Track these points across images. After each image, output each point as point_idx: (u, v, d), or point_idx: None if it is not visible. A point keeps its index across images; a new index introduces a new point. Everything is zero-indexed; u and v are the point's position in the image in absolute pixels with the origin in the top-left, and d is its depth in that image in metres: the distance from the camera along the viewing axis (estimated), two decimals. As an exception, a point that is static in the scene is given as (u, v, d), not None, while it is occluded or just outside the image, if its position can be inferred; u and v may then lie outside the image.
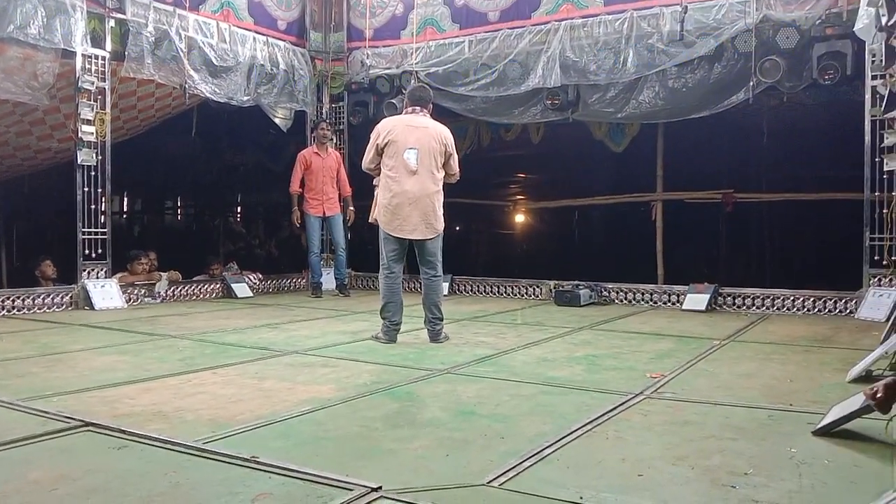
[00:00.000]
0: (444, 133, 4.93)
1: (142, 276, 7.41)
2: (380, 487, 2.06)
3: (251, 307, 7.11)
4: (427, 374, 3.81)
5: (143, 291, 7.19)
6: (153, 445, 2.50)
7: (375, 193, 4.99)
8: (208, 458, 2.38)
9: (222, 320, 6.06)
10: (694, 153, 8.71)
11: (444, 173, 4.93)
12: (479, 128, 9.65)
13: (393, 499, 2.02)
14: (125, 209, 15.03)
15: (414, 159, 4.76)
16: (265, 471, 2.21)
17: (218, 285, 7.96)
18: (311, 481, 2.11)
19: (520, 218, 12.29)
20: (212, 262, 8.76)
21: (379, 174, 4.90)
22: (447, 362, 4.15)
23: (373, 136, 4.89)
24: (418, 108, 4.93)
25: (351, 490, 2.03)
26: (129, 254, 7.58)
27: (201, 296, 7.79)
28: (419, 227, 4.80)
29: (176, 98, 7.78)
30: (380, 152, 4.82)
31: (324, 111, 9.14)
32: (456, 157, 5.02)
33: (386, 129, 4.84)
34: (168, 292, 7.39)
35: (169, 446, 2.48)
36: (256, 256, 12.36)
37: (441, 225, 4.91)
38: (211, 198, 14.38)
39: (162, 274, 7.43)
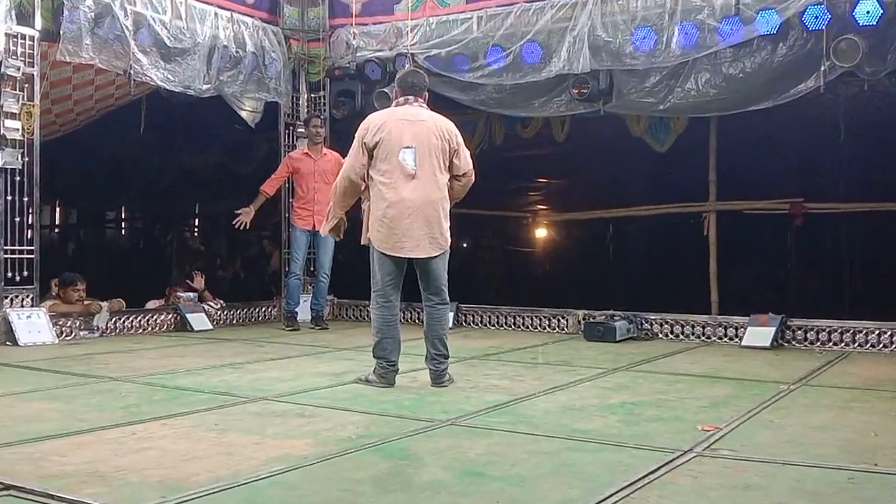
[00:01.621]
0: (446, 126, 4.94)
1: (77, 304, 7.42)
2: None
3: (210, 342, 7.09)
4: (427, 426, 3.80)
5: (78, 324, 7.20)
6: None
7: (364, 208, 4.99)
8: None
9: (175, 359, 6.03)
10: (754, 154, 8.74)
11: (448, 176, 4.93)
12: (490, 123, 9.69)
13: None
14: (57, 222, 15.12)
15: (412, 160, 4.76)
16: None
17: (170, 316, 7.96)
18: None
19: (541, 233, 12.31)
20: (176, 282, 8.73)
21: (364, 187, 4.86)
22: (451, 411, 4.13)
23: (358, 134, 4.87)
24: (412, 97, 4.93)
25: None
26: (63, 277, 7.58)
27: (150, 329, 7.79)
28: (422, 242, 4.79)
29: (120, 87, 7.85)
30: (368, 154, 4.80)
31: (301, 103, 9.19)
32: (466, 152, 5.02)
33: (375, 125, 4.83)
34: (109, 324, 7.39)
35: None
36: (218, 280, 12.37)
37: (448, 240, 4.92)
38: (163, 208, 14.48)
39: (102, 303, 7.44)
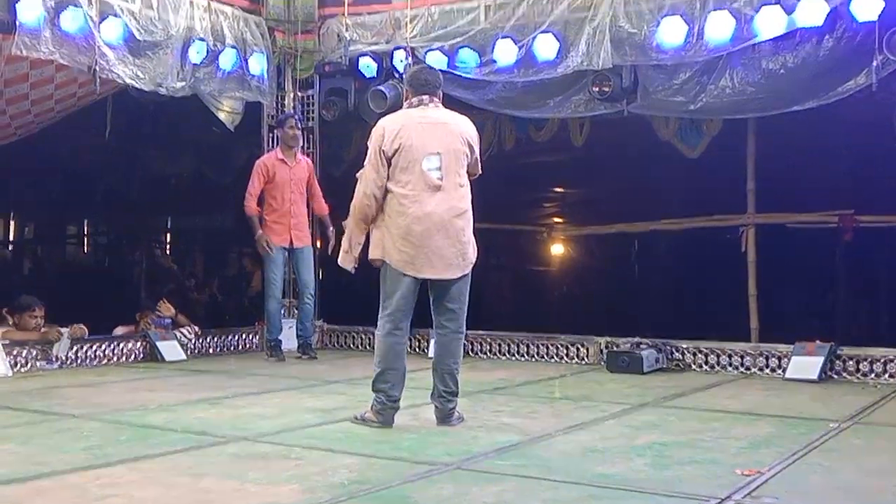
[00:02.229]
0: (468, 130, 4.97)
1: (34, 332, 7.41)
2: None
3: (184, 374, 7.08)
4: (429, 471, 3.80)
5: (35, 353, 7.18)
6: None
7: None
8: None
9: (144, 393, 6.03)
10: (798, 161, 8.76)
11: (469, 184, 4.94)
12: (499, 125, 9.73)
13: None
14: (11, 237, 15.16)
15: (437, 168, 4.76)
16: None
17: (139, 345, 7.95)
18: None
19: (557, 250, 12.32)
20: (148, 307, 8.69)
21: (378, 204, 4.79)
22: (456, 453, 4.13)
23: (373, 142, 4.83)
24: (426, 97, 4.92)
25: None
26: (18, 302, 7.58)
27: (116, 359, 7.76)
28: (453, 261, 4.78)
29: (83, 85, 7.87)
30: (386, 164, 4.77)
31: (288, 102, 9.23)
32: (478, 156, 5.05)
33: (391, 130, 4.79)
34: (70, 354, 7.38)
35: None
36: (192, 303, 12.39)
37: (475, 255, 4.93)
38: (130, 221, 14.50)
39: (62, 330, 7.43)
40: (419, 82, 4.98)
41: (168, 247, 16.14)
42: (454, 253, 4.78)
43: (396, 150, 4.74)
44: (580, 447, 4.34)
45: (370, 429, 4.74)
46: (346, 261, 4.94)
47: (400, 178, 4.76)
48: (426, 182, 4.74)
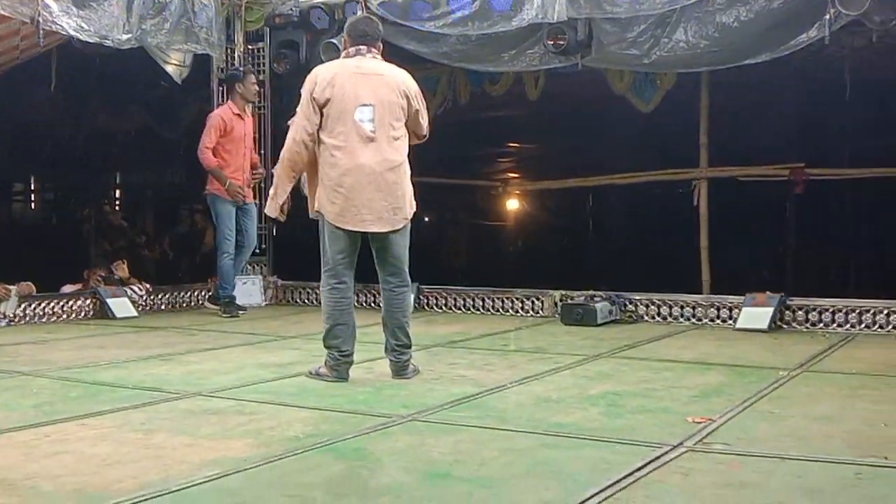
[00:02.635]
0: (404, 80, 4.90)
1: (-21, 290, 7.31)
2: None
3: (135, 331, 7.03)
4: (384, 423, 3.81)
5: (-18, 311, 7.12)
6: None
7: (306, 176, 4.93)
8: None
9: (94, 350, 5.98)
10: (750, 114, 8.84)
11: (406, 136, 4.89)
12: (454, 79, 9.65)
13: None
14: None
15: (370, 119, 4.71)
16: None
17: (88, 302, 7.89)
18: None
19: (512, 205, 12.34)
20: (96, 264, 8.62)
21: (307, 152, 4.75)
22: (412, 405, 4.14)
23: (305, 90, 4.78)
24: (364, 47, 4.86)
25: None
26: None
27: (65, 316, 7.72)
28: (384, 214, 4.74)
29: (26, 37, 7.67)
30: (318, 112, 4.71)
31: (237, 55, 9.07)
32: (425, 112, 4.99)
33: (324, 78, 4.74)
34: (18, 312, 7.29)
35: None
36: (143, 260, 12.26)
37: (411, 210, 4.90)
38: (78, 178, 14.20)
39: (9, 287, 7.33)
40: (357, 32, 4.91)
41: (118, 203, 15.87)
42: (385, 206, 4.73)
43: (328, 99, 4.68)
44: (535, 398, 4.37)
45: (325, 383, 4.74)
46: (272, 208, 4.95)
47: (332, 129, 4.70)
48: (358, 133, 4.68)
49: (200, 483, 2.92)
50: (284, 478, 3.03)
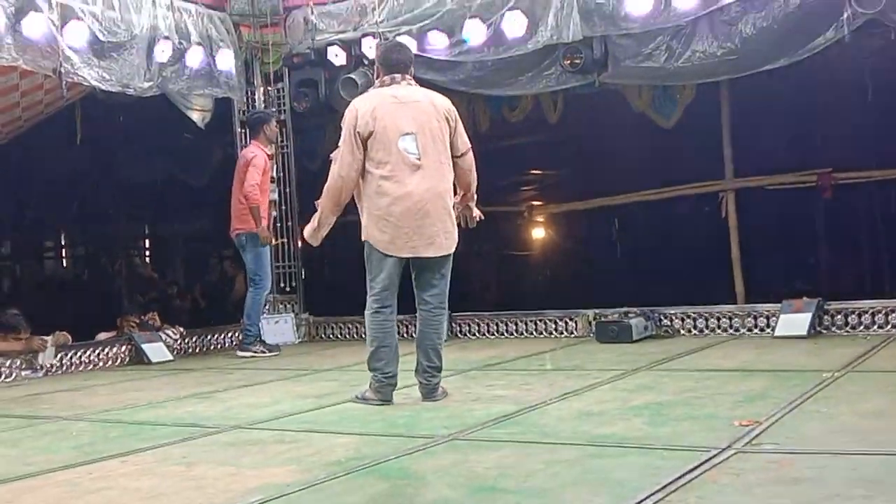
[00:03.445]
0: (442, 103, 4.89)
1: (16, 343, 7.33)
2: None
3: (171, 373, 7.07)
4: (426, 443, 3.78)
5: (19, 363, 7.16)
6: None
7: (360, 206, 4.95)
8: None
9: (132, 393, 6.01)
10: (773, 122, 8.77)
11: (451, 162, 4.87)
12: (473, 107, 9.67)
13: None
14: (-13, 256, 15.01)
15: (414, 147, 4.70)
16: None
17: (124, 348, 7.93)
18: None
19: (539, 229, 12.30)
20: (127, 311, 8.70)
21: (353, 186, 4.78)
22: (453, 425, 4.11)
23: (346, 124, 4.79)
24: (398, 75, 4.87)
25: None
26: (6, 321, 7.51)
27: (101, 363, 7.75)
28: (437, 239, 4.76)
29: (49, 91, 7.80)
30: (362, 146, 4.73)
31: (258, 96, 9.14)
32: (464, 131, 4.98)
33: (364, 110, 4.74)
34: (55, 361, 7.34)
35: None
36: (175, 310, 12.31)
37: (457, 235, 4.90)
38: (107, 232, 14.37)
39: (45, 339, 7.37)
40: (389, 62, 4.93)
41: (147, 255, 16.01)
42: (435, 231, 4.75)
43: (372, 132, 4.70)
44: (576, 412, 4.32)
45: (364, 409, 4.73)
46: (313, 237, 4.99)
47: (377, 160, 4.72)
48: (404, 162, 4.70)
49: (245, 508, 2.90)
50: (328, 499, 3.01)
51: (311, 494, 3.07)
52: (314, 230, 4.95)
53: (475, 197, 5.14)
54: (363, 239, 4.85)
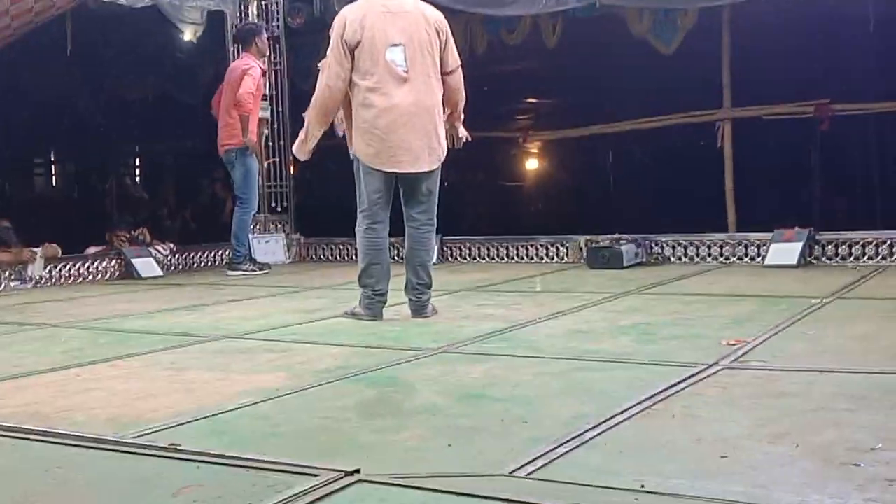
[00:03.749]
0: (432, 14, 4.82)
1: (5, 254, 7.34)
2: (357, 471, 2.04)
3: (162, 288, 7.11)
4: (415, 355, 3.81)
5: (8, 274, 7.17)
6: (30, 440, 2.52)
7: (338, 119, 4.91)
8: (107, 449, 2.39)
9: (122, 304, 6.04)
10: (773, 51, 8.64)
11: (440, 75, 4.80)
12: (469, 28, 9.54)
13: (376, 483, 1.99)
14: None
15: (402, 59, 4.64)
16: (191, 460, 2.20)
17: (114, 262, 7.95)
18: (257, 468, 2.09)
19: (534, 154, 12.25)
20: (117, 226, 8.69)
21: (340, 96, 4.73)
22: (442, 340, 4.14)
23: (334, 32, 4.72)
24: None
25: (315, 476, 2.00)
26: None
27: (91, 277, 7.78)
28: (422, 155, 4.71)
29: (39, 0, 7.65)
30: (349, 55, 4.65)
31: (252, 10, 8.99)
32: (454, 46, 4.91)
33: (353, 19, 4.67)
34: (44, 273, 7.35)
35: (53, 439, 2.49)
36: (166, 230, 12.27)
37: (444, 151, 4.86)
38: (98, 150, 14.22)
39: (34, 250, 7.36)
40: None
41: (138, 175, 15.90)
42: (421, 146, 4.70)
43: (359, 42, 4.63)
44: (565, 330, 4.35)
45: (354, 323, 4.76)
46: (301, 150, 4.95)
47: (365, 71, 4.65)
48: (391, 74, 4.63)
49: (234, 409, 2.92)
50: (317, 403, 3.03)
51: (299, 399, 3.09)
52: (301, 143, 4.91)
53: (462, 116, 5.09)
54: (352, 153, 4.81)
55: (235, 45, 8.81)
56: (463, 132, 5.13)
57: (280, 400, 3.06)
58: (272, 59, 8.95)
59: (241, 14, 8.93)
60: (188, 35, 8.77)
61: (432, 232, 4.97)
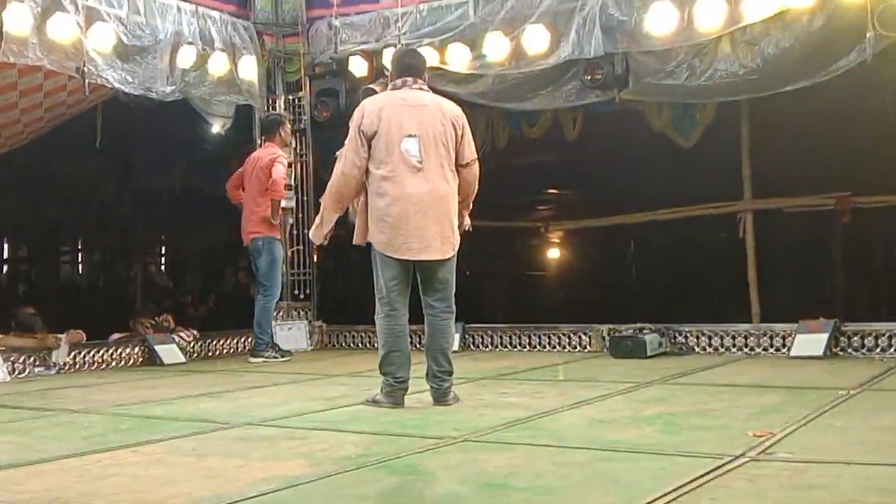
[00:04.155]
0: (450, 109, 4.92)
1: (30, 339, 7.38)
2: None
3: (184, 374, 7.10)
4: (437, 444, 3.77)
5: (33, 360, 7.19)
6: None
7: (353, 207, 4.98)
8: None
9: (144, 391, 6.03)
10: (793, 144, 8.72)
11: (454, 168, 4.89)
12: (492, 122, 9.71)
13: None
14: (3, 257, 15.09)
15: (416, 150, 4.73)
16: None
17: (137, 349, 7.95)
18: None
19: (556, 244, 12.30)
20: (141, 313, 8.75)
21: (356, 184, 4.81)
22: (464, 428, 4.10)
23: (353, 122, 4.84)
24: (409, 78, 4.91)
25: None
26: (21, 319, 7.59)
27: (114, 363, 7.77)
28: (433, 243, 4.76)
29: (73, 92, 7.85)
30: (366, 144, 4.76)
31: (279, 105, 9.19)
32: (471, 140, 4.99)
33: (371, 110, 4.79)
34: (68, 360, 7.36)
35: None
36: (190, 319, 12.32)
37: (458, 239, 4.91)
38: (124, 239, 14.41)
39: (59, 336, 7.41)
40: (402, 66, 4.99)
41: (163, 264, 16.05)
42: (434, 234, 4.75)
43: (376, 132, 4.73)
44: (588, 419, 4.31)
45: (375, 410, 4.73)
46: (316, 235, 5.06)
47: (380, 160, 4.74)
48: (405, 163, 4.72)
49: (254, 497, 2.90)
50: (338, 491, 3.01)
51: (320, 487, 3.06)
52: (317, 227, 5.03)
53: (470, 207, 5.14)
54: (359, 242, 4.88)
55: (262, 137, 8.97)
56: (467, 222, 5.17)
57: (300, 488, 3.03)
58: (298, 150, 9.13)
59: (268, 108, 9.10)
60: (216, 128, 8.96)
61: (451, 319, 4.96)
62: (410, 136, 4.74)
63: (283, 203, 8.33)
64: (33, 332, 7.47)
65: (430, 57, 8.10)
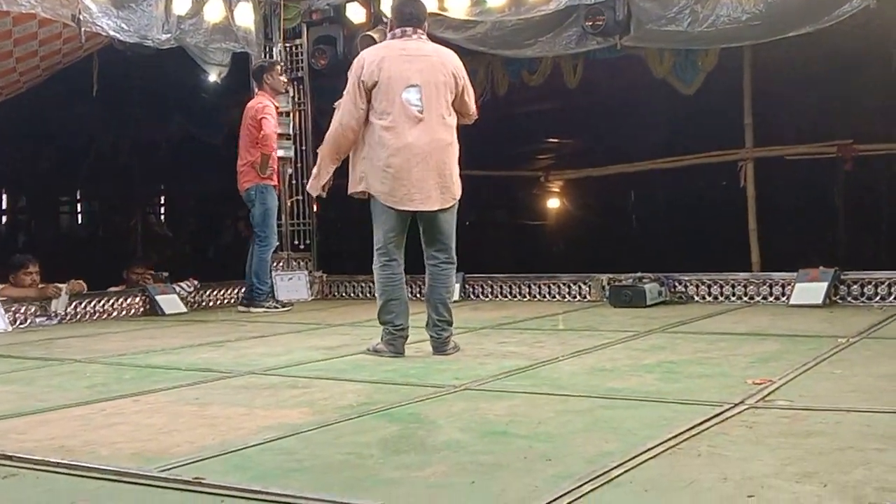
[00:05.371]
0: (452, 61, 4.91)
1: (31, 289, 7.40)
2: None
3: (185, 324, 7.13)
4: (437, 392, 3.80)
5: (34, 310, 7.22)
6: (54, 472, 2.53)
7: (350, 156, 4.96)
8: (132, 483, 2.41)
9: (146, 340, 6.07)
10: (795, 91, 8.69)
11: (456, 118, 4.90)
12: (491, 69, 9.64)
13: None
14: (1, 208, 15.09)
15: (418, 100, 4.72)
16: (215, 494, 2.19)
17: (138, 299, 7.99)
18: (281, 503, 2.08)
19: (556, 193, 12.28)
20: (136, 264, 8.76)
21: (354, 136, 4.80)
22: (464, 377, 4.12)
23: (352, 73, 4.81)
24: (409, 28, 4.87)
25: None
26: (12, 261, 7.59)
27: (115, 314, 7.82)
28: (433, 193, 4.76)
29: (68, 40, 7.78)
30: (366, 96, 4.74)
31: (276, 52, 9.10)
32: (471, 90, 4.99)
33: (371, 61, 4.76)
34: (69, 309, 7.40)
35: (77, 472, 2.51)
36: (188, 267, 12.34)
37: (459, 189, 4.91)
38: (123, 189, 14.40)
39: (60, 286, 7.42)
40: (403, 14, 4.93)
41: (162, 213, 16.05)
42: (434, 185, 4.75)
43: (376, 83, 4.71)
44: (588, 368, 4.34)
45: (376, 359, 4.76)
46: (314, 187, 5.04)
47: (380, 110, 4.73)
48: (406, 114, 4.70)
49: (257, 445, 2.92)
50: (340, 439, 3.03)
51: (322, 434, 3.09)
52: (314, 178, 5.01)
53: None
54: (357, 191, 4.85)
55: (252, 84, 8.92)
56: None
57: (303, 435, 3.06)
58: (297, 99, 9.06)
59: (265, 56, 9.01)
60: (213, 76, 8.87)
61: (452, 270, 4.98)
62: (412, 86, 4.72)
63: (281, 153, 8.32)
64: (27, 268, 7.45)
65: (429, 2, 8.03)
